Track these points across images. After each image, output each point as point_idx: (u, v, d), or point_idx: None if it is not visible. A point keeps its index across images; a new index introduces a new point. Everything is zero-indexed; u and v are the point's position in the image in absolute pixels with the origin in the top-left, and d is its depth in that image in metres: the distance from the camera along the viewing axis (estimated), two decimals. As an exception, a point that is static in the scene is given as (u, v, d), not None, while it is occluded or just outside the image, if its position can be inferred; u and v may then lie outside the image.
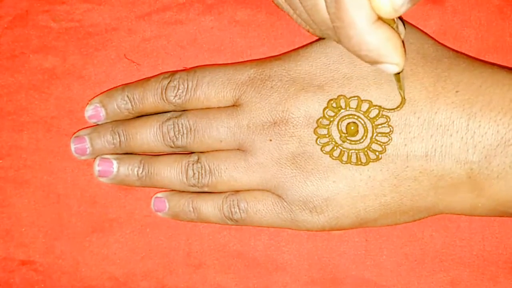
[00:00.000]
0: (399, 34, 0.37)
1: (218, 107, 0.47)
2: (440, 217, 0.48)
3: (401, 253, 0.49)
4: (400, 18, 0.43)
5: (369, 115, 0.42)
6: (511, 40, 0.48)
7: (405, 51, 0.38)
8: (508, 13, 0.48)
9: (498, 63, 0.48)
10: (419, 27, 0.46)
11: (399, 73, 0.40)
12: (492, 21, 0.48)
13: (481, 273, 0.48)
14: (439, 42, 0.45)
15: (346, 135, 0.43)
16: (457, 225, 0.48)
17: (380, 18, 0.35)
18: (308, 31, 0.44)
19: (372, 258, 0.49)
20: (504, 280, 0.48)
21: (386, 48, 0.35)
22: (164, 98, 0.47)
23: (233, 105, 0.46)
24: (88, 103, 0.50)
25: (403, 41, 0.37)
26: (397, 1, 0.34)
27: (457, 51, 0.45)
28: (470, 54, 0.48)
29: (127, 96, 0.48)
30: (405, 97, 0.42)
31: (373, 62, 0.37)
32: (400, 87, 0.41)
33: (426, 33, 0.45)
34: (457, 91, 0.41)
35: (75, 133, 0.50)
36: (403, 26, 0.41)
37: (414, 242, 0.48)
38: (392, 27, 0.36)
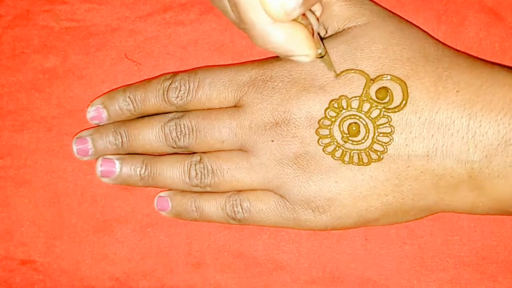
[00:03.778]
0: (306, 26, 0.37)
1: (220, 108, 0.47)
2: (439, 216, 0.48)
3: (400, 252, 0.49)
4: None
5: (371, 115, 0.42)
6: (509, 41, 0.49)
7: (320, 37, 0.40)
8: (503, 14, 0.49)
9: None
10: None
11: (322, 57, 0.41)
12: (490, 21, 0.49)
13: (480, 272, 0.48)
14: (439, 41, 0.45)
15: (348, 135, 0.43)
16: (457, 224, 0.48)
17: None
18: None
19: (372, 257, 0.49)
20: (503, 279, 0.48)
21: (292, 43, 0.36)
22: (166, 99, 0.47)
23: (235, 106, 0.46)
24: (89, 105, 0.50)
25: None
26: (288, 4, 0.33)
27: (458, 50, 0.45)
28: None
29: (129, 97, 0.48)
30: (337, 73, 0.43)
31: (285, 57, 0.37)
32: (330, 68, 0.42)
33: (426, 33, 0.45)
34: (457, 91, 0.41)
35: (76, 133, 0.50)
36: (315, 19, 0.41)
37: (413, 241, 0.49)
38: (297, 21, 0.36)
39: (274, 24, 0.35)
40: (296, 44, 0.36)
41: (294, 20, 0.36)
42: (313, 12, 0.42)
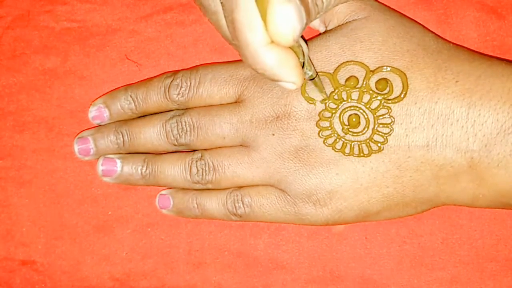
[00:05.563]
0: (297, 54, 0.37)
1: (221, 104, 0.47)
2: (439, 215, 0.48)
3: (400, 251, 0.49)
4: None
5: (371, 106, 0.43)
6: (509, 39, 0.49)
7: (311, 65, 0.40)
8: (503, 13, 0.49)
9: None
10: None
11: (313, 79, 0.41)
12: (490, 20, 0.49)
13: (480, 270, 0.48)
14: (439, 36, 0.46)
15: (348, 127, 0.43)
16: (457, 223, 0.48)
17: None
18: None
19: (372, 256, 0.49)
20: (503, 278, 0.48)
21: (281, 68, 0.35)
22: (167, 97, 0.47)
23: (236, 102, 0.46)
24: (91, 104, 0.50)
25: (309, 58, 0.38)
26: (297, 30, 0.34)
27: (457, 44, 0.46)
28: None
29: (130, 96, 0.49)
30: (327, 95, 0.43)
31: (271, 80, 0.37)
32: (320, 90, 0.43)
33: (426, 28, 0.46)
34: (457, 81, 0.42)
35: (77, 133, 0.50)
36: (304, 43, 0.41)
37: (413, 240, 0.49)
38: (291, 48, 0.36)
39: (266, 47, 0.35)
40: (285, 70, 0.36)
41: (289, 47, 0.36)
42: (303, 37, 0.43)
